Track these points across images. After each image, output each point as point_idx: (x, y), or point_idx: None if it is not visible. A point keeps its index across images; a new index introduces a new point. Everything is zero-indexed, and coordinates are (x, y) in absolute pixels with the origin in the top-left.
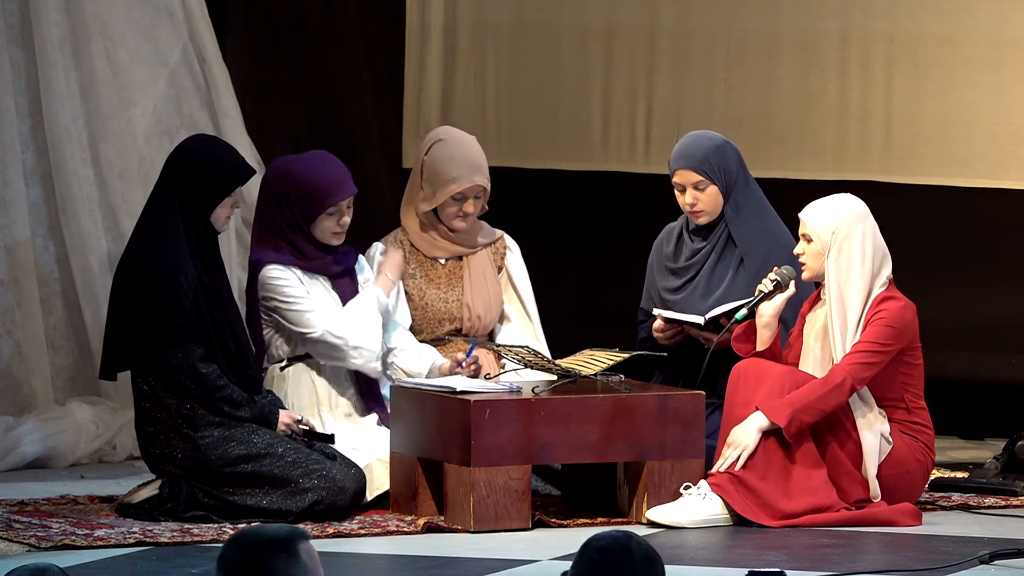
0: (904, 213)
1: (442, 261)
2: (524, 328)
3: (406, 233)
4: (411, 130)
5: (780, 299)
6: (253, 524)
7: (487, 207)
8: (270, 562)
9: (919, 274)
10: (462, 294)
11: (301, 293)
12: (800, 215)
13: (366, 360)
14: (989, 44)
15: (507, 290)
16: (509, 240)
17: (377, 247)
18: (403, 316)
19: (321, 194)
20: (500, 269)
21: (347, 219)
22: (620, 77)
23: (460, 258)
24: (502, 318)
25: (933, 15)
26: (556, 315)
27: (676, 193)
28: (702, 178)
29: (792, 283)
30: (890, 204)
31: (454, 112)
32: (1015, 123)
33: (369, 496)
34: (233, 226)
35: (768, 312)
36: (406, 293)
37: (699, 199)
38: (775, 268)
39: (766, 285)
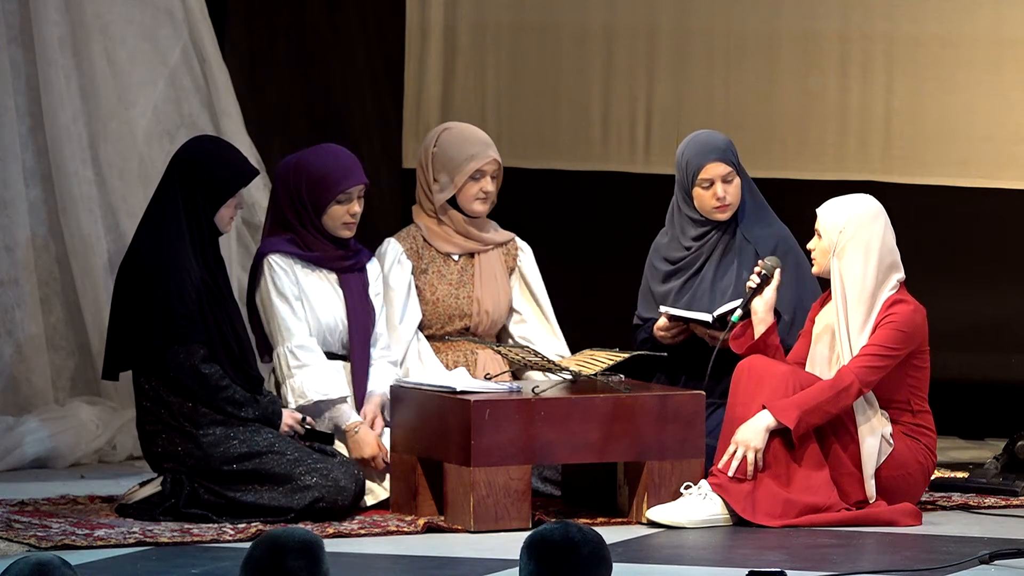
0: (904, 213)
1: (455, 258)
2: (541, 327)
3: (419, 229)
4: (411, 130)
5: (769, 292)
6: (279, 526)
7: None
8: (294, 564)
9: (919, 274)
10: (472, 290)
11: (289, 296)
12: (817, 210)
13: (292, 402)
14: (989, 44)
15: (522, 291)
16: (521, 242)
17: (389, 243)
18: (413, 314)
19: (331, 180)
20: (512, 271)
21: (357, 209)
22: (620, 77)
23: (472, 256)
24: (518, 319)
25: (933, 15)
26: (556, 315)
27: (699, 191)
28: (731, 169)
29: (777, 272)
30: (890, 204)
31: (454, 113)
32: (1014, 123)
33: (370, 501)
34: (233, 226)
35: (761, 308)
36: (417, 288)
37: (728, 192)
38: (759, 262)
39: (753, 280)
